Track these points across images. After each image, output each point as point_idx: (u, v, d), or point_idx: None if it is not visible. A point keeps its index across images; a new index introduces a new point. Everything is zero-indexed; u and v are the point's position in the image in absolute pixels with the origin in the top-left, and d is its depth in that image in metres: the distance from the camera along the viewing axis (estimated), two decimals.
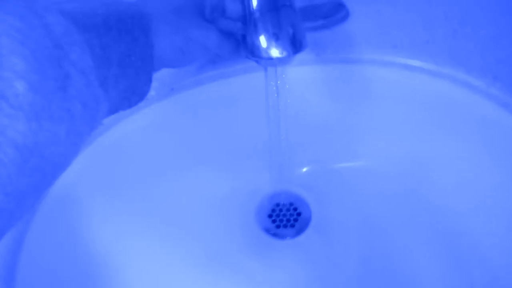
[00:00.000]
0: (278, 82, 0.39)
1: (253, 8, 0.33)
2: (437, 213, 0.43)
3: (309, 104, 0.45)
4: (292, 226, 0.46)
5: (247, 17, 0.33)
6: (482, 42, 0.42)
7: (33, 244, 0.34)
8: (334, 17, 0.45)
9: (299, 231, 0.46)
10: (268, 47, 0.33)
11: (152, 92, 0.32)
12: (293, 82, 0.42)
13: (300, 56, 0.37)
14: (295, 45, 0.33)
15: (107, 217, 0.40)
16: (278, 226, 0.46)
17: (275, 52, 0.33)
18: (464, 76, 0.40)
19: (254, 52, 0.33)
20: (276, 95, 0.41)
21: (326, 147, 0.47)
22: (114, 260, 0.40)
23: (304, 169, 0.48)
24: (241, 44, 0.34)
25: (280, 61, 0.34)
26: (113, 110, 0.28)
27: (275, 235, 0.46)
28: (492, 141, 0.41)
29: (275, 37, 0.33)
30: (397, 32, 0.43)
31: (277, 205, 0.47)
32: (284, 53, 0.33)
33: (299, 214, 0.47)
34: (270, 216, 0.47)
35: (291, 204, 0.48)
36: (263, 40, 0.33)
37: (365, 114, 0.45)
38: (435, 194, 0.43)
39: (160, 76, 0.39)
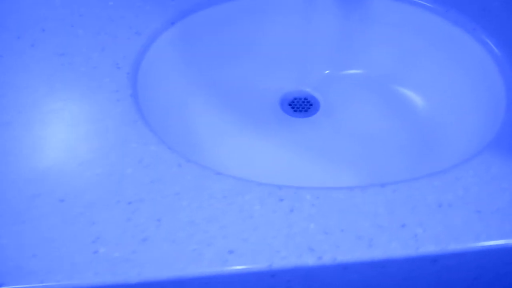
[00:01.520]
0: None
1: None
2: (410, 103, 0.62)
3: (322, 22, 0.64)
4: (306, 111, 0.65)
5: None
6: None
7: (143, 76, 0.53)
8: None
9: (310, 115, 0.65)
10: None
11: None
12: (315, 6, 0.62)
13: None
14: None
15: (182, 77, 0.60)
16: (295, 111, 0.66)
17: None
18: (431, 5, 0.59)
19: None
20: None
21: (335, 57, 0.66)
22: (185, 110, 0.59)
23: (318, 74, 0.66)
24: None
25: None
26: None
27: (293, 115, 0.65)
28: (454, 53, 0.60)
29: None
30: None
31: (295, 98, 0.67)
32: None
33: (311, 105, 0.66)
34: (290, 104, 0.66)
35: (305, 98, 0.67)
36: None
37: (361, 33, 0.63)
38: (411, 87, 0.62)
39: None
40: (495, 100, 0.51)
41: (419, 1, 0.60)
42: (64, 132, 0.46)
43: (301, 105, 0.66)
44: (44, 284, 0.37)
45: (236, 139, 0.58)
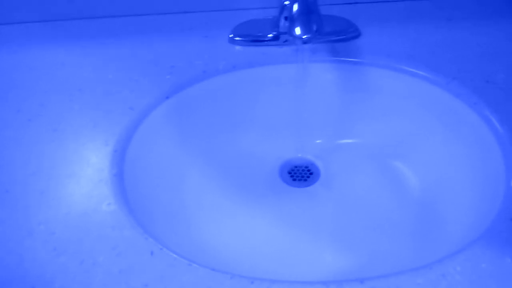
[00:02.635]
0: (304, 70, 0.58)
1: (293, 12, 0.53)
2: (406, 181, 0.60)
3: (323, 92, 0.63)
4: (305, 180, 0.64)
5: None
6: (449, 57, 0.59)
7: (133, 153, 0.53)
8: (348, 35, 0.64)
9: (310, 184, 0.63)
10: (300, 33, 0.53)
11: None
12: (312, 76, 0.61)
13: (318, 57, 0.58)
14: (315, 34, 0.53)
15: (176, 153, 0.59)
16: (294, 180, 0.64)
17: (303, 35, 0.53)
18: (432, 77, 0.57)
19: (292, 34, 0.53)
20: (300, 83, 0.60)
21: (333, 126, 0.64)
22: (175, 186, 0.59)
23: (316, 142, 0.65)
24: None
25: (305, 40, 0.54)
26: None
27: (292, 185, 0.63)
28: (454, 127, 0.57)
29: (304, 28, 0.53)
30: (390, 47, 0.61)
31: (295, 166, 0.65)
32: (308, 36, 0.53)
33: (311, 173, 0.64)
34: (289, 173, 0.65)
35: (306, 166, 0.65)
36: (297, 29, 0.53)
37: (362, 103, 0.62)
38: (408, 163, 0.60)
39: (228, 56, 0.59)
40: (494, 182, 0.48)
41: (420, 72, 0.58)
42: (44, 214, 0.46)
43: (301, 174, 0.64)
44: None
45: (226, 215, 0.57)
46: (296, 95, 0.63)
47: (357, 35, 0.64)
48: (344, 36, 0.63)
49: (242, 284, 0.40)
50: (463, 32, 0.62)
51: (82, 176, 0.49)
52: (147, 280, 0.40)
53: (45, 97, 0.58)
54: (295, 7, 0.55)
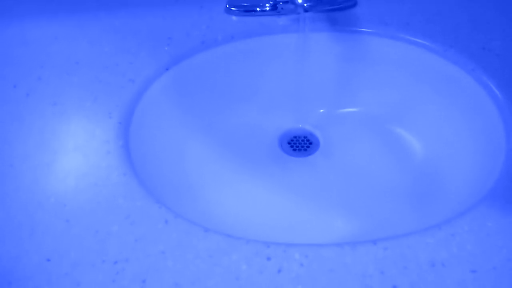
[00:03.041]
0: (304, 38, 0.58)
1: None
2: (407, 146, 0.61)
3: (321, 62, 0.63)
4: (305, 150, 0.64)
5: None
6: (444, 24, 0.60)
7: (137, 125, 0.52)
8: (345, 3, 0.64)
9: (310, 154, 0.64)
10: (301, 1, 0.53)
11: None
12: (311, 45, 0.61)
13: (316, 27, 0.58)
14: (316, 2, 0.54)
15: (178, 125, 0.59)
16: (294, 150, 0.65)
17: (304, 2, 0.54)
18: (430, 44, 0.58)
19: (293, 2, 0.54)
20: (301, 53, 0.60)
21: (332, 96, 0.65)
22: (180, 157, 0.59)
23: (316, 112, 0.65)
24: None
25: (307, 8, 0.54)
26: None
27: (292, 155, 0.64)
28: (453, 93, 0.58)
29: None
30: (389, 16, 0.62)
31: (295, 136, 0.66)
32: (309, 3, 0.54)
33: (310, 143, 0.65)
34: (289, 143, 0.65)
35: (305, 136, 0.66)
36: None
37: (360, 72, 0.62)
38: (409, 129, 0.61)
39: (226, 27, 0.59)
40: (494, 145, 0.49)
41: (418, 40, 0.59)
42: (53, 187, 0.46)
43: (301, 144, 0.65)
44: None
45: (231, 185, 0.57)
46: (294, 65, 0.63)
47: (353, 4, 0.64)
48: (341, 5, 0.63)
49: (259, 248, 0.40)
50: (459, 0, 0.63)
51: (88, 149, 0.49)
52: (164, 247, 0.41)
53: (42, 71, 0.57)
54: None
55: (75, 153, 0.49)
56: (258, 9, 0.62)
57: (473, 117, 0.54)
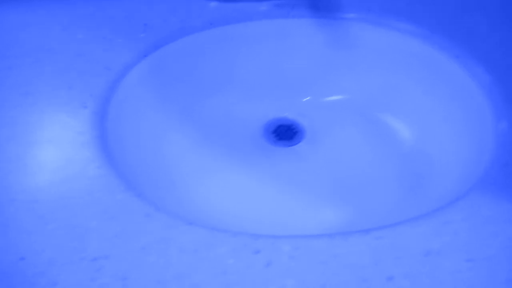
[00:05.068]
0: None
1: None
2: (395, 133, 0.59)
3: (304, 49, 0.61)
4: (290, 139, 0.63)
5: None
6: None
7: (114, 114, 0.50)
8: None
9: (295, 143, 0.62)
10: None
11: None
12: (293, 32, 0.60)
13: (298, 12, 0.57)
14: None
15: (157, 114, 0.57)
16: (280, 139, 0.63)
17: None
18: (413, 28, 0.57)
19: None
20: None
21: (316, 84, 0.63)
22: (160, 148, 0.57)
23: (299, 100, 0.64)
24: None
25: None
26: None
27: (277, 144, 0.62)
28: (439, 80, 0.57)
29: None
30: (372, 1, 0.60)
31: (279, 125, 0.64)
32: None
33: (295, 132, 0.63)
34: (273, 132, 0.63)
35: (290, 125, 0.64)
36: None
37: (344, 59, 0.61)
38: (396, 116, 0.60)
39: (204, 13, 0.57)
40: (483, 130, 0.48)
41: (401, 25, 0.57)
42: (25, 181, 0.43)
43: (286, 133, 0.63)
44: None
45: (215, 176, 0.55)
46: (277, 53, 0.61)
47: None
48: None
49: (246, 241, 0.38)
50: None
51: (62, 140, 0.46)
52: (145, 242, 0.38)
53: (12, 60, 0.54)
54: None
55: (48, 145, 0.46)
56: None
57: (460, 102, 0.53)
